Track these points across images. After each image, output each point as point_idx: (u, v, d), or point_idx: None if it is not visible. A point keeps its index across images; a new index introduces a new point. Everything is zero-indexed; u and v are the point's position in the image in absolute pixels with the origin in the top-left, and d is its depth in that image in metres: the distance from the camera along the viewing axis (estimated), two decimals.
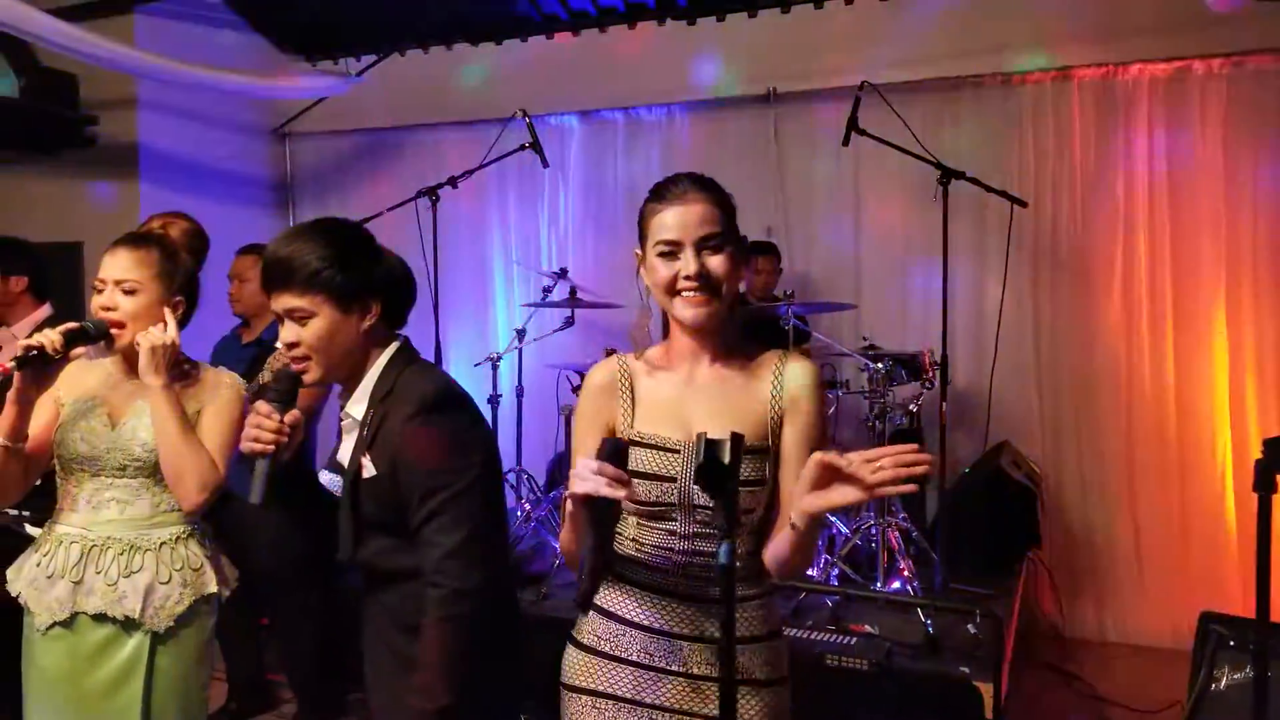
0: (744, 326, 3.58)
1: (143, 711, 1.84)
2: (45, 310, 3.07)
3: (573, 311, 3.77)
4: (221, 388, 1.96)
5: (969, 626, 3.04)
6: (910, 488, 1.23)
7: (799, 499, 1.32)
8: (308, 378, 1.57)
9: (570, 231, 4.78)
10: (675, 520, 1.49)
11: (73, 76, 4.34)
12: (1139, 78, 3.88)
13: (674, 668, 1.48)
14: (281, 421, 1.52)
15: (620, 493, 1.29)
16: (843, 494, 1.28)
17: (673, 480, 1.47)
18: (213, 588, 1.93)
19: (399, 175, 4.94)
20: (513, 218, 4.90)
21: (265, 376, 2.87)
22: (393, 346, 1.64)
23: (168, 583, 1.87)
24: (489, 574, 1.54)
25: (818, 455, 1.28)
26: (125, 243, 1.89)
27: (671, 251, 1.46)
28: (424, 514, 1.53)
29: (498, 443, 1.87)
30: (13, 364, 1.69)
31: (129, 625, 1.84)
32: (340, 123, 5.06)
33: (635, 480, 1.48)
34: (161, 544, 1.88)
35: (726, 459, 1.03)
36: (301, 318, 1.55)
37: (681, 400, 1.52)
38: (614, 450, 1.34)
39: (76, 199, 4.47)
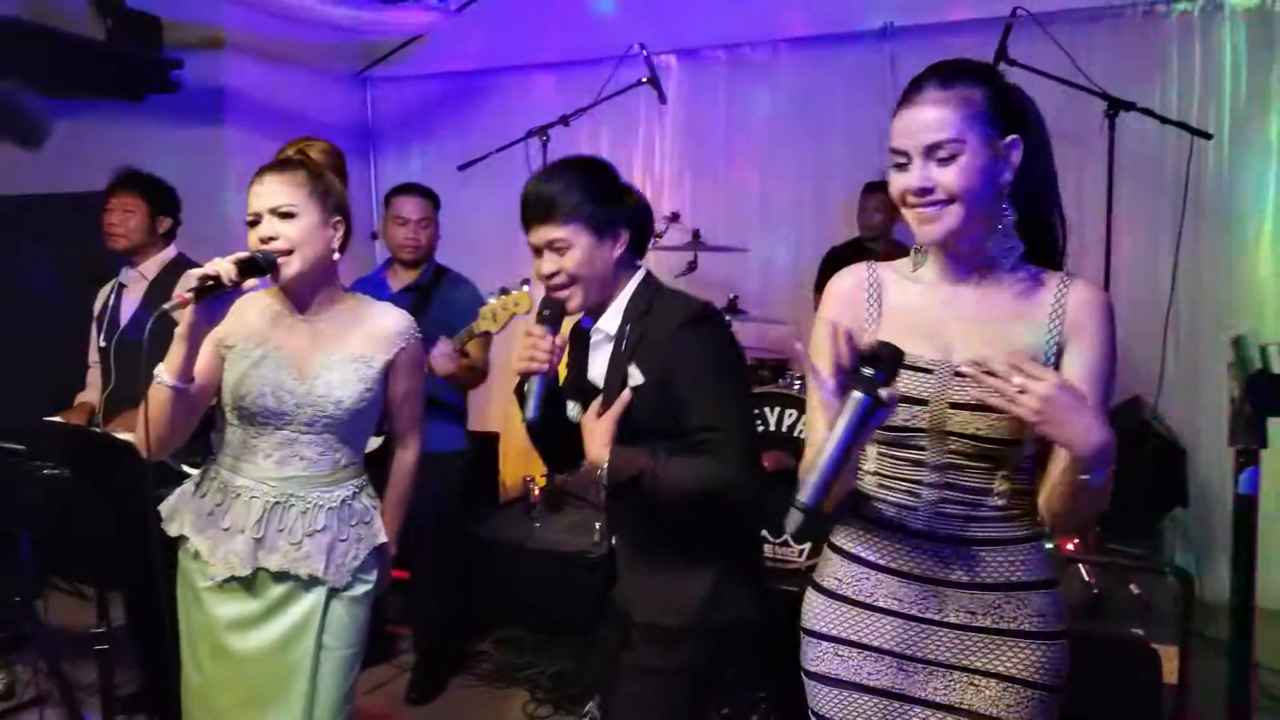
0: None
1: (312, 664, 1.79)
2: (171, 251, 3.03)
3: (695, 256, 3.61)
4: (401, 337, 1.86)
5: (1131, 587, 2.90)
6: None
7: None
8: (570, 305, 1.69)
9: (667, 176, 4.60)
10: (924, 449, 1.35)
11: (155, 18, 4.21)
12: None
13: (930, 615, 1.36)
14: (553, 343, 1.64)
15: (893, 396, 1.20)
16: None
17: (923, 404, 1.34)
18: (383, 538, 1.89)
19: (484, 120, 4.77)
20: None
21: (485, 324, 2.75)
22: (641, 271, 1.76)
23: (345, 540, 1.82)
24: (757, 482, 1.61)
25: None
26: (271, 169, 1.79)
27: (901, 163, 1.32)
28: (706, 413, 1.59)
29: None
30: (190, 294, 1.56)
31: (310, 582, 1.79)
32: (422, 67, 4.90)
33: None
34: (341, 501, 1.82)
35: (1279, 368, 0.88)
36: (561, 248, 1.66)
37: (938, 315, 1.38)
38: (892, 356, 1.21)
39: (161, 143, 4.35)
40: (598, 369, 1.73)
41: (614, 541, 1.79)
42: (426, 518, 3.00)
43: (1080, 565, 2.84)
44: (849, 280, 1.45)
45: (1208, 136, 3.15)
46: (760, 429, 3.15)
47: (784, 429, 3.12)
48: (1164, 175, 3.63)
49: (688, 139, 4.56)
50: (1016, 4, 3.31)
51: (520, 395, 1.68)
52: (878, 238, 4.00)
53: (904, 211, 1.35)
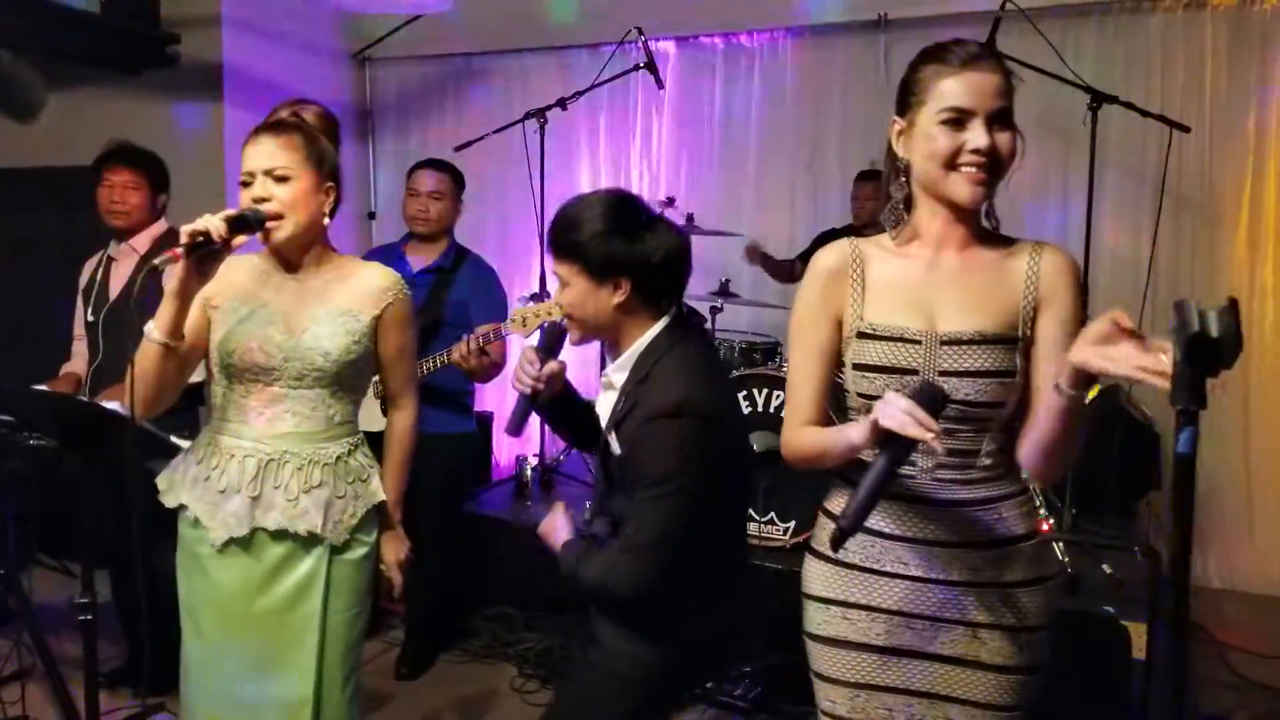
0: None
1: (320, 624, 1.80)
2: (162, 225, 3.02)
3: (690, 239, 3.65)
4: (389, 292, 1.86)
5: (1104, 566, 2.98)
6: None
7: (1073, 352, 1.20)
8: (570, 337, 1.73)
9: (663, 162, 4.65)
10: None
11: None
12: (1279, 7, 3.69)
13: (935, 575, 1.42)
14: (540, 370, 1.70)
15: (927, 436, 1.20)
16: (1128, 355, 1.12)
17: (914, 373, 1.38)
18: (381, 496, 1.90)
19: (483, 102, 4.81)
20: (603, 148, 4.75)
21: (514, 327, 2.73)
22: (658, 326, 1.69)
23: (343, 496, 1.82)
24: (660, 582, 1.59)
25: (1113, 313, 1.16)
26: (265, 130, 1.76)
27: (958, 120, 1.34)
28: (630, 505, 1.62)
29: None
30: (181, 249, 1.55)
31: (309, 540, 1.79)
32: (421, 48, 4.89)
33: (868, 374, 1.41)
34: (337, 458, 1.82)
35: (1215, 332, 0.94)
36: (562, 282, 1.68)
37: (922, 286, 1.42)
38: (931, 398, 1.25)
39: (158, 120, 4.34)
40: (602, 407, 1.76)
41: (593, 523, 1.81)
42: (431, 497, 3.04)
43: (1055, 545, 2.91)
44: (831, 257, 1.47)
45: (1185, 130, 3.24)
46: (748, 410, 3.20)
47: (770, 410, 3.18)
48: (1146, 167, 3.71)
49: (684, 124, 4.60)
50: (995, 3, 3.37)
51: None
52: (869, 225, 4.05)
53: (940, 172, 1.36)
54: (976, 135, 1.34)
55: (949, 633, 1.43)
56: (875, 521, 1.45)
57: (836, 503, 1.51)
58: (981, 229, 1.45)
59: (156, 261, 1.56)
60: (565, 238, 1.66)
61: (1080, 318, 1.41)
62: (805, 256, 4.21)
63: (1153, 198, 3.81)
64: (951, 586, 1.42)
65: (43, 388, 2.68)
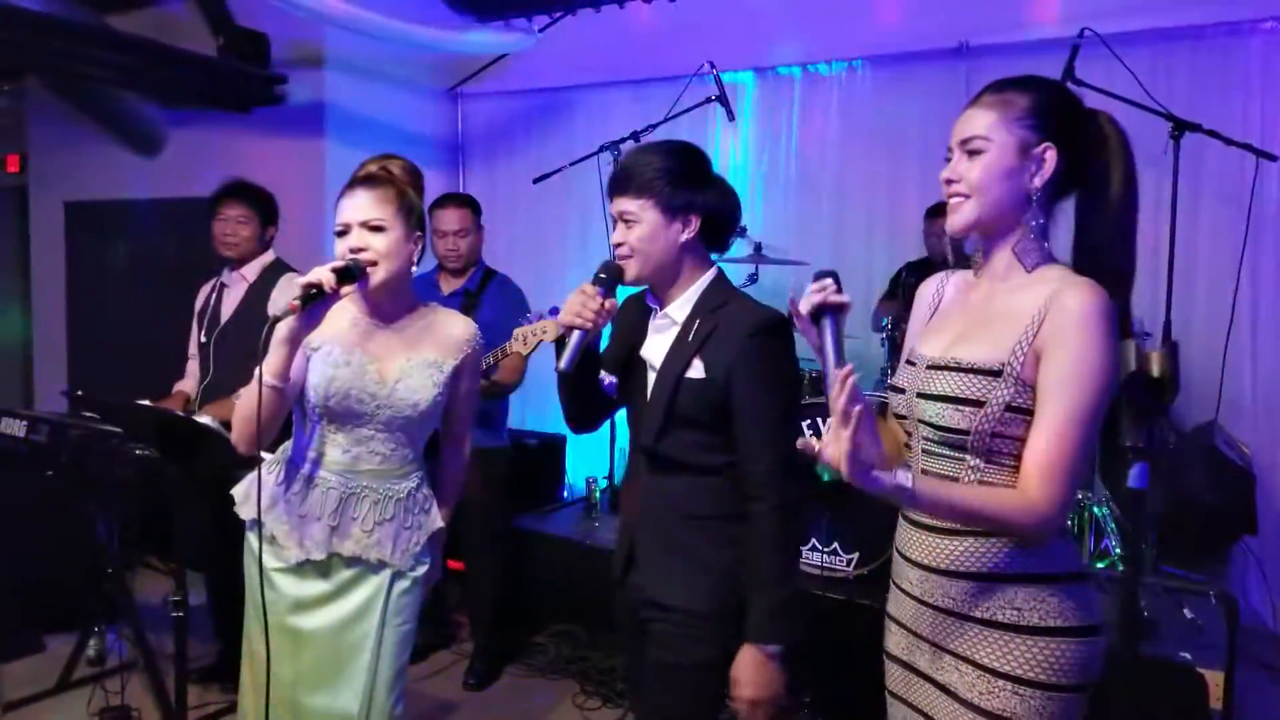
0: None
1: (375, 641, 1.91)
2: (270, 255, 3.25)
3: (756, 269, 3.69)
4: (468, 343, 1.98)
5: (1185, 611, 2.85)
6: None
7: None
8: (627, 275, 1.74)
9: (741, 192, 4.67)
10: (910, 437, 1.48)
11: (264, 36, 4.53)
12: None
13: (924, 597, 1.45)
14: (603, 305, 1.68)
15: (842, 296, 1.40)
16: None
17: (902, 392, 1.46)
18: (440, 523, 2.02)
19: (568, 135, 4.95)
20: None
21: (516, 345, 2.87)
22: (712, 271, 1.78)
23: (409, 527, 1.95)
24: (803, 490, 1.68)
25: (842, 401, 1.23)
26: (361, 184, 1.88)
27: (947, 158, 1.43)
28: (751, 424, 1.66)
29: None
30: (299, 302, 1.70)
31: (378, 565, 1.92)
32: (510, 83, 5.10)
33: (890, 392, 1.53)
34: (408, 493, 1.95)
35: (1156, 372, 0.95)
36: (630, 220, 1.71)
37: (951, 315, 1.49)
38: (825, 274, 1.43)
39: (265, 154, 4.67)
40: (653, 349, 1.78)
41: (633, 530, 1.82)
42: (471, 516, 3.16)
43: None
44: (929, 285, 1.60)
45: (1272, 158, 3.08)
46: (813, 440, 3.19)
47: None
48: (1242, 196, 3.53)
49: (760, 156, 4.63)
50: (1086, 25, 3.29)
51: (560, 345, 1.73)
52: (944, 260, 4.00)
53: None
54: (946, 168, 1.42)
55: (938, 659, 1.44)
56: (897, 539, 1.53)
57: (901, 538, 1.52)
58: (1034, 258, 1.38)
59: (279, 314, 1.71)
60: (640, 174, 1.70)
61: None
62: (889, 294, 4.18)
63: (1251, 226, 3.64)
64: (937, 611, 1.43)
65: (145, 402, 2.90)
